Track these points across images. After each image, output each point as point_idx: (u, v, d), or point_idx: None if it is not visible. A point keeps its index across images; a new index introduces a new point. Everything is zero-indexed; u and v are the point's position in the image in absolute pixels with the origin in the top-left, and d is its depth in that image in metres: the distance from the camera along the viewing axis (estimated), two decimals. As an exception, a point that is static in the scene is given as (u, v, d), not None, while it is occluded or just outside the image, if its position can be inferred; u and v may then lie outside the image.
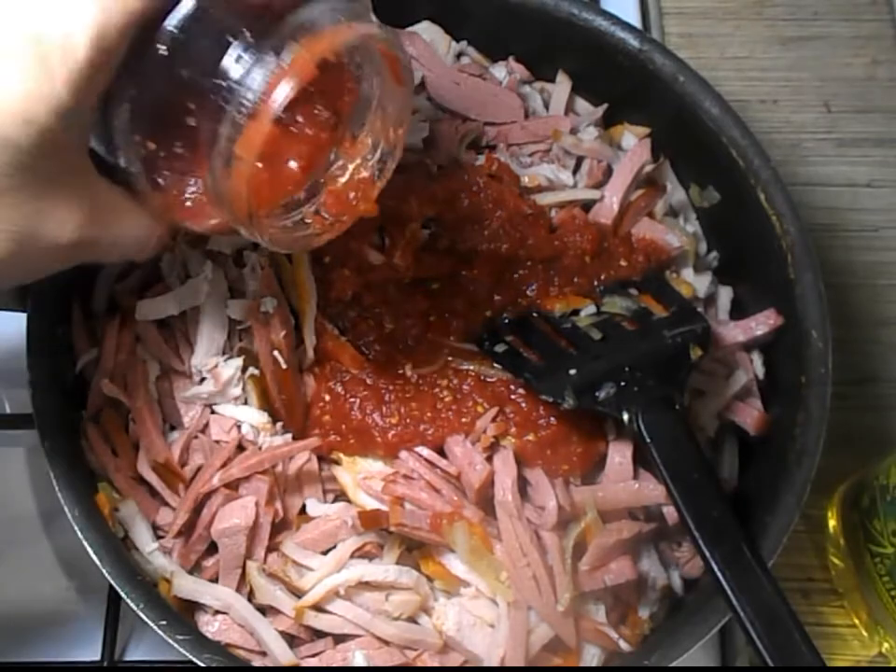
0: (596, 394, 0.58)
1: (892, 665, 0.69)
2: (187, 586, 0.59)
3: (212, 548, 0.60)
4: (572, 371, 0.59)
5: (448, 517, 0.58)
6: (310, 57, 0.43)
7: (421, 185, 0.65)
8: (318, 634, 0.59)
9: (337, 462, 0.61)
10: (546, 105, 0.73)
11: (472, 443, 0.60)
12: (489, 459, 0.59)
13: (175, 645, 0.55)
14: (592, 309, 0.64)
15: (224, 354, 0.62)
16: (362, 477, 0.60)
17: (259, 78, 0.43)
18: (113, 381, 0.62)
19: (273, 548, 0.60)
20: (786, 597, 0.52)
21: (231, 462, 0.60)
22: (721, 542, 0.53)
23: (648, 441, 0.57)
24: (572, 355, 0.61)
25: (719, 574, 0.52)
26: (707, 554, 0.53)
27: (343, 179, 0.51)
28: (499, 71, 0.73)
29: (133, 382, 0.62)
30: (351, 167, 0.51)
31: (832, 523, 0.71)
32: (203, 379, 0.62)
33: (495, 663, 0.57)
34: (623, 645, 0.59)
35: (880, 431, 0.77)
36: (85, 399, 0.63)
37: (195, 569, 0.60)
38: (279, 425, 0.61)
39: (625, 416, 0.57)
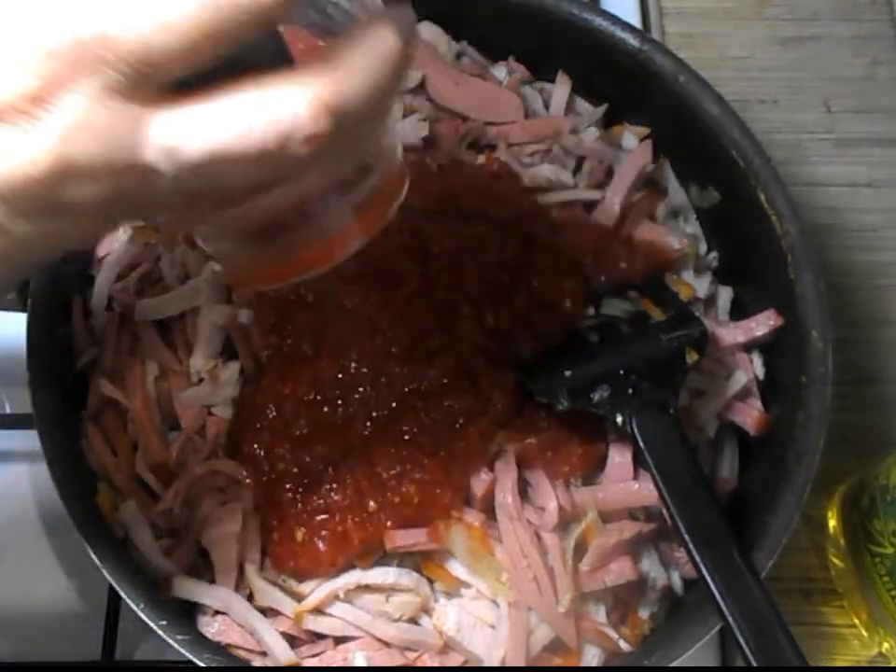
0: (591, 396, 0.59)
1: (892, 666, 0.69)
2: (186, 587, 0.58)
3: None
4: (567, 373, 0.59)
5: (445, 521, 0.58)
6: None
7: (421, 183, 0.65)
8: (319, 635, 0.59)
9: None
10: (546, 105, 0.73)
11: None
12: (490, 465, 0.59)
13: (175, 645, 0.55)
14: (590, 311, 0.64)
15: (223, 355, 0.62)
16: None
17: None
18: (112, 381, 0.62)
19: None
20: (774, 602, 0.52)
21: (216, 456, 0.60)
22: (711, 547, 0.54)
23: (641, 444, 0.57)
24: (569, 356, 0.61)
25: (708, 578, 0.53)
26: (698, 559, 0.53)
27: None
28: (499, 71, 0.73)
29: (132, 382, 0.62)
30: None
31: (832, 523, 0.71)
32: (201, 380, 0.62)
33: (495, 663, 0.57)
34: (624, 645, 0.59)
35: (880, 431, 0.77)
36: (85, 399, 0.63)
37: (194, 570, 0.60)
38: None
39: (619, 419, 0.58)
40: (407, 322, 0.59)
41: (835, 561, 0.71)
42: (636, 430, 0.57)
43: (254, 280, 0.45)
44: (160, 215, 0.39)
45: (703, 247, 0.71)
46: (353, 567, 0.58)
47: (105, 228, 0.39)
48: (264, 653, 0.58)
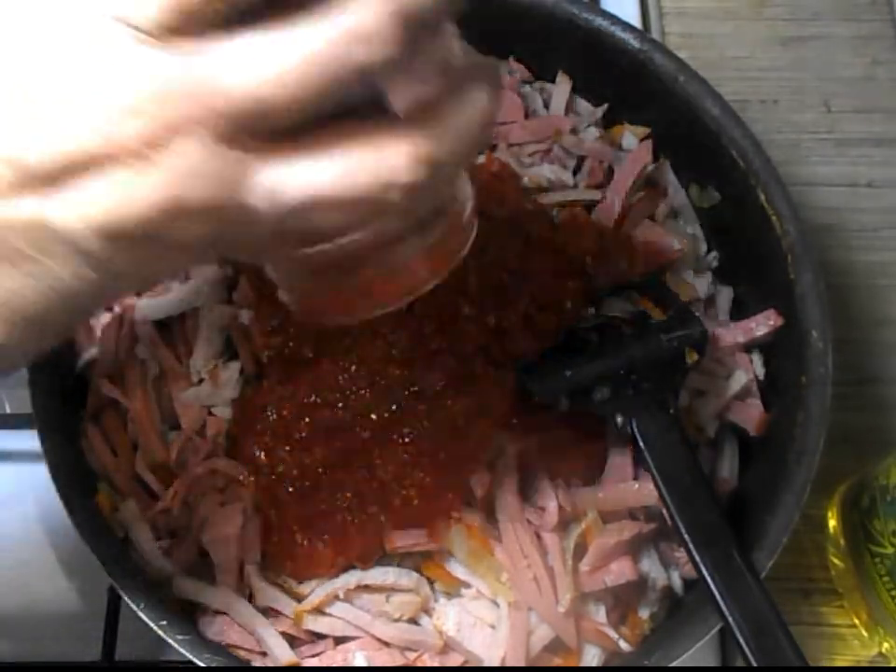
0: (591, 396, 0.59)
1: (892, 666, 0.69)
2: (186, 587, 0.59)
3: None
4: (567, 373, 0.59)
5: (445, 522, 0.58)
6: None
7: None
8: (319, 635, 0.59)
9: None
10: (546, 105, 0.73)
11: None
12: (490, 465, 0.59)
13: (175, 645, 0.55)
14: (590, 311, 0.64)
15: (223, 356, 0.62)
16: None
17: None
18: (112, 381, 0.62)
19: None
20: (774, 602, 0.52)
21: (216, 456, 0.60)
22: (711, 547, 0.54)
23: (641, 444, 0.57)
24: (569, 356, 0.61)
25: (708, 578, 0.53)
26: (698, 559, 0.53)
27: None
28: (499, 71, 0.73)
29: (132, 382, 0.62)
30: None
31: (832, 523, 0.71)
32: (201, 380, 0.62)
33: (495, 663, 0.57)
34: (624, 645, 0.59)
35: (880, 431, 0.77)
36: (85, 399, 0.63)
37: (194, 570, 0.60)
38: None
39: (619, 419, 0.58)
40: (407, 324, 0.59)
41: (835, 561, 0.71)
42: (636, 430, 0.57)
43: (321, 314, 0.46)
44: (248, 251, 0.41)
45: (703, 247, 0.71)
46: (353, 567, 0.58)
47: (195, 263, 0.40)
48: (264, 653, 0.58)
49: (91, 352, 0.64)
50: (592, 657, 0.59)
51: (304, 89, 0.33)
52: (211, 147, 0.33)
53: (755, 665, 0.51)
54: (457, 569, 0.59)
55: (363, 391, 0.59)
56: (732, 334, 0.66)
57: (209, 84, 0.33)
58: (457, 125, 0.36)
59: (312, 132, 0.35)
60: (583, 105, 0.73)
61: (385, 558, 0.59)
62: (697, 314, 0.65)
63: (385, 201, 0.35)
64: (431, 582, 0.59)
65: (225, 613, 0.59)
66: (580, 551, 0.58)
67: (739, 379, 0.65)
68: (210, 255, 0.39)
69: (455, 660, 0.58)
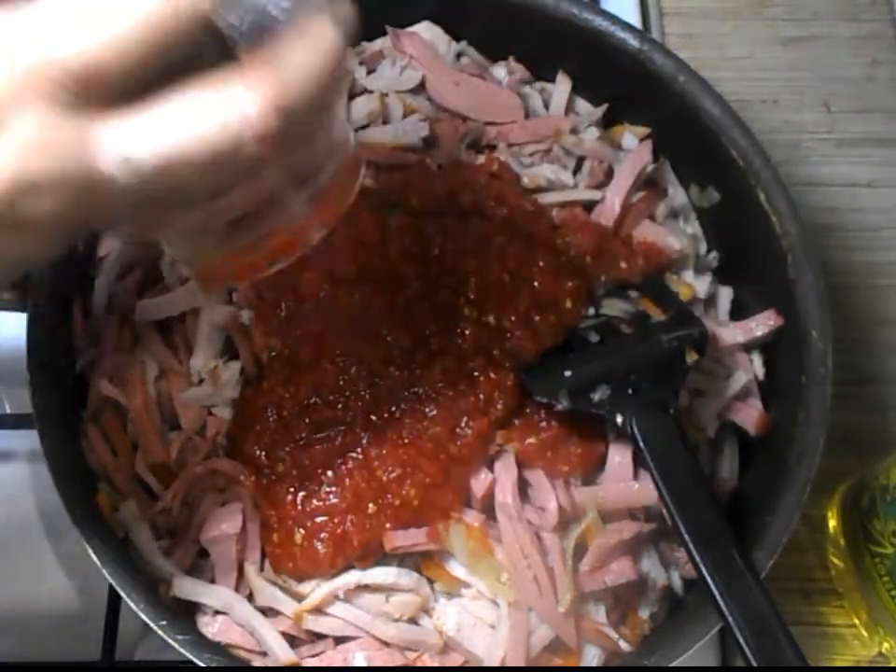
0: (591, 396, 0.59)
1: (892, 666, 0.69)
2: (186, 587, 0.58)
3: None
4: (567, 373, 0.59)
5: (445, 522, 0.58)
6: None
7: (422, 183, 0.65)
8: (319, 635, 0.59)
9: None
10: (546, 105, 0.73)
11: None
12: (490, 465, 0.59)
13: (175, 645, 0.55)
14: (590, 311, 0.64)
15: (224, 356, 0.62)
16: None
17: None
18: (112, 381, 0.62)
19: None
20: (774, 602, 0.52)
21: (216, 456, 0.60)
22: (711, 547, 0.54)
23: (641, 444, 0.57)
24: (569, 356, 0.61)
25: (708, 578, 0.53)
26: (698, 559, 0.53)
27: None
28: (499, 71, 0.73)
29: (132, 382, 0.62)
30: None
31: (832, 523, 0.71)
32: (201, 380, 0.62)
33: (495, 663, 0.57)
34: (624, 645, 0.59)
35: (880, 431, 0.77)
36: (85, 399, 0.63)
37: (194, 570, 0.60)
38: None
39: (619, 419, 0.58)
40: (408, 325, 0.60)
41: (835, 561, 0.71)
42: (636, 430, 0.57)
43: (221, 277, 0.47)
44: (121, 223, 0.40)
45: (703, 247, 0.71)
46: (352, 567, 0.58)
47: (63, 240, 0.39)
48: (264, 653, 0.58)
49: (90, 352, 0.64)
50: (592, 657, 0.59)
51: (135, 44, 0.32)
52: (50, 118, 0.32)
53: (755, 664, 0.51)
54: (457, 569, 0.59)
55: (363, 392, 0.59)
56: (732, 334, 0.66)
57: (38, 54, 0.32)
58: (303, 63, 0.35)
59: (158, 89, 0.34)
60: (583, 105, 0.73)
61: (385, 558, 0.59)
62: (697, 314, 0.65)
63: (241, 154, 0.35)
64: (431, 582, 0.59)
65: (225, 613, 0.59)
66: (580, 551, 0.58)
67: (739, 379, 0.65)
68: (76, 231, 0.38)
69: (454, 660, 0.58)
